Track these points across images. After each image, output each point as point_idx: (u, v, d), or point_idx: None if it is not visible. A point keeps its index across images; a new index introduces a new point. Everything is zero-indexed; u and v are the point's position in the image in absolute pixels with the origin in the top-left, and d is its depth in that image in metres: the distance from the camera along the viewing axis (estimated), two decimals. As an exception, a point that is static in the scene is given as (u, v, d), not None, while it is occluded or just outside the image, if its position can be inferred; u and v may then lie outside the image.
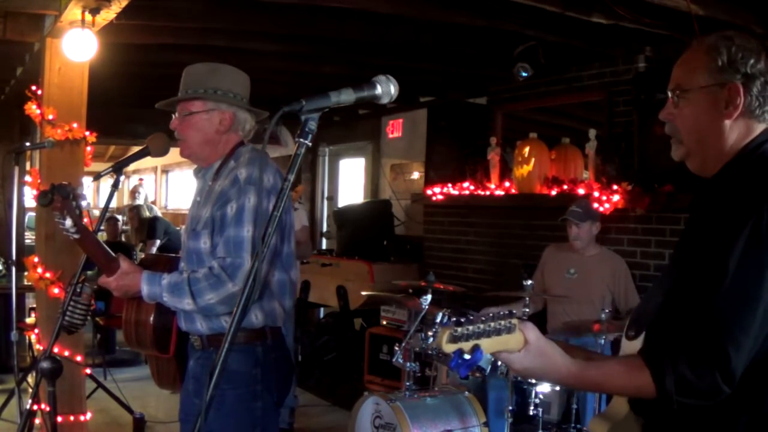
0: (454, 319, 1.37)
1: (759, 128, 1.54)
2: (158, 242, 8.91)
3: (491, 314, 1.39)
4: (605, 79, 5.23)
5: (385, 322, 5.95)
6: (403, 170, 7.61)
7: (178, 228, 9.10)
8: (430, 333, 1.39)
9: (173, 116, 2.51)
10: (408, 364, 4.07)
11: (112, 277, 2.37)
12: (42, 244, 4.29)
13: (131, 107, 7.64)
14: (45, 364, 2.47)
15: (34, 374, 4.21)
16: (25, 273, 4.50)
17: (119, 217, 10.10)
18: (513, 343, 1.42)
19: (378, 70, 1.70)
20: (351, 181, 8.86)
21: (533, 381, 3.76)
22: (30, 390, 4.48)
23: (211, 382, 1.48)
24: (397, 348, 4.17)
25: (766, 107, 1.53)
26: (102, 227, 5.10)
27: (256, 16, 4.41)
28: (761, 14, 3.91)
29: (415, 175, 7.37)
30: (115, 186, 2.59)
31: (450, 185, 6.07)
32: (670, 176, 4.35)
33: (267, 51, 5.23)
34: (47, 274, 4.17)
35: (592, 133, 4.98)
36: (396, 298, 5.31)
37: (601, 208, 4.60)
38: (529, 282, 4.06)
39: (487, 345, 1.38)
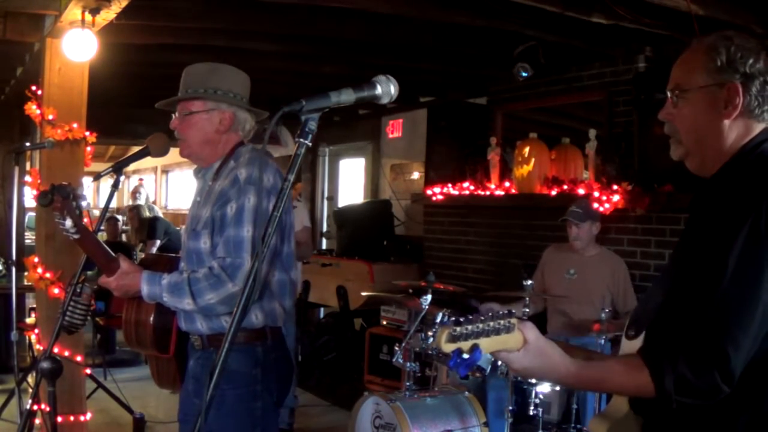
0: (453, 318, 1.37)
1: (758, 128, 1.54)
2: (158, 242, 8.90)
3: (490, 314, 1.39)
4: (605, 79, 5.23)
5: (385, 322, 5.94)
6: (403, 170, 7.60)
7: (178, 228, 9.09)
8: (429, 333, 1.39)
9: (173, 116, 2.51)
10: (408, 364, 4.07)
11: (112, 277, 2.37)
12: (42, 244, 4.29)
13: (131, 107, 7.64)
14: (45, 364, 2.47)
15: (34, 374, 4.21)
16: (25, 273, 4.50)
17: (119, 217, 10.10)
18: (512, 342, 1.43)
19: (378, 70, 1.70)
20: (351, 181, 8.85)
21: (533, 381, 3.76)
22: (30, 390, 4.47)
23: (211, 382, 1.48)
24: (397, 348, 4.17)
25: (765, 107, 1.53)
26: (102, 227, 5.10)
27: (256, 16, 4.41)
28: (761, 14, 3.91)
29: (415, 175, 7.36)
30: (115, 186, 2.59)
31: (450, 185, 6.06)
32: (670, 176, 4.35)
33: (267, 51, 5.23)
34: (47, 274, 4.16)
35: (592, 133, 4.97)
36: (396, 298, 5.31)
37: (601, 208, 4.60)
38: (529, 282, 4.05)
39: (486, 344, 1.38)
